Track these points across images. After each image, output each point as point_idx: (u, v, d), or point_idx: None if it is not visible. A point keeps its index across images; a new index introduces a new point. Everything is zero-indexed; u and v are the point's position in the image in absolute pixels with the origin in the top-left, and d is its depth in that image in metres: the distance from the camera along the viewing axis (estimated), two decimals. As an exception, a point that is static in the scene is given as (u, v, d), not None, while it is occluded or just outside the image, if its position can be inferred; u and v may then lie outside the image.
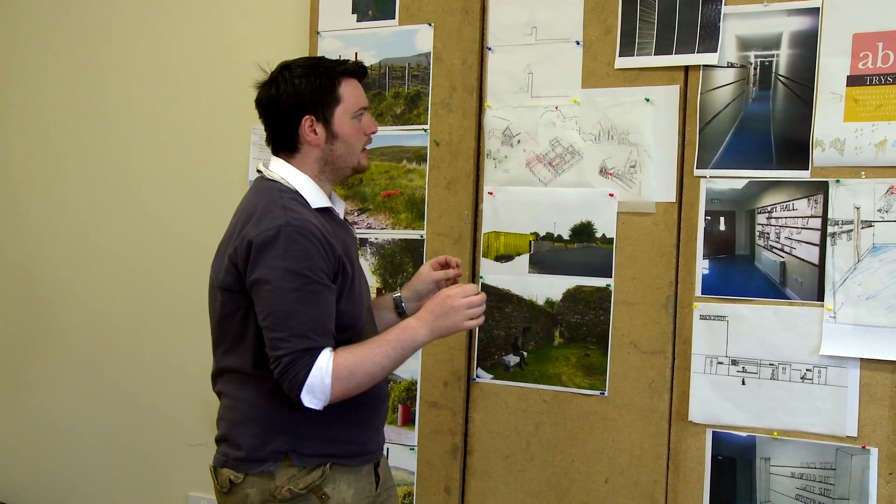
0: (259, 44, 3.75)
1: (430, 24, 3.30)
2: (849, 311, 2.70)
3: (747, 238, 2.86)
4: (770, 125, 2.82)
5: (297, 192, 2.27)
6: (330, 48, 3.48)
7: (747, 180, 2.84)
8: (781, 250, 2.81)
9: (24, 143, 4.30)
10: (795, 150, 2.78)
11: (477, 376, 3.22)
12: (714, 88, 2.89)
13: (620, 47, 3.01)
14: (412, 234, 3.32)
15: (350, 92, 2.33)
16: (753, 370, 2.83)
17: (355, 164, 2.38)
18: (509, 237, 3.18)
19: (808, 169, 2.76)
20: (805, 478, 2.77)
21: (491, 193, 3.20)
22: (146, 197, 4.01)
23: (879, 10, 2.66)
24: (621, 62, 3.01)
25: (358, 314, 2.31)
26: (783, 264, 2.81)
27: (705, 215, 2.90)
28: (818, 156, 2.74)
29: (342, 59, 2.42)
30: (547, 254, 3.13)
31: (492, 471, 3.19)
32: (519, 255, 3.16)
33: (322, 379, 2.08)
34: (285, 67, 2.35)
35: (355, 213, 3.45)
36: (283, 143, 2.34)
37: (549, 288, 3.11)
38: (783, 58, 2.80)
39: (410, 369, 3.28)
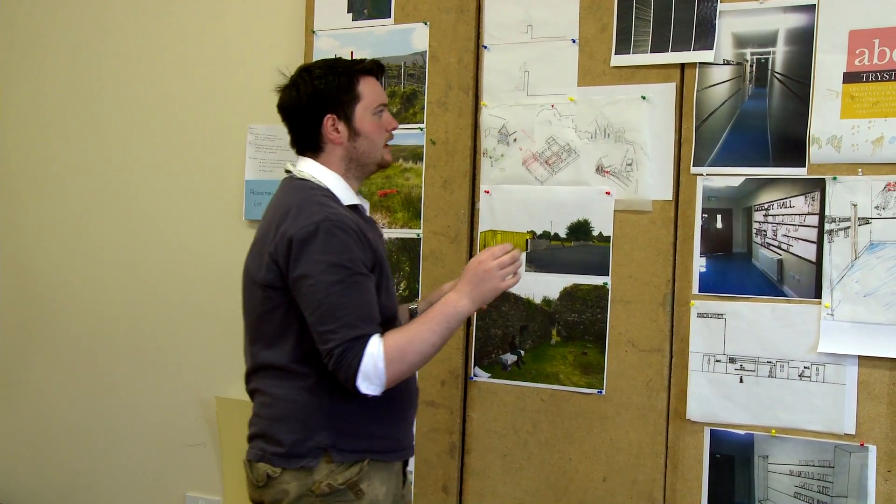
0: (255, 43, 3.75)
1: (425, 23, 3.30)
2: (846, 308, 2.70)
3: (744, 236, 2.85)
4: (766, 122, 2.82)
5: (328, 190, 2.31)
6: (325, 47, 3.48)
7: (744, 178, 2.84)
8: (779, 248, 2.80)
9: (19, 142, 4.29)
10: (792, 147, 2.77)
11: (474, 375, 3.21)
12: (710, 86, 2.88)
13: (616, 45, 3.00)
14: (409, 233, 3.32)
15: (369, 89, 2.37)
16: (751, 368, 2.83)
17: (379, 160, 2.42)
18: (506, 236, 3.17)
19: (804, 166, 2.76)
20: (803, 476, 2.76)
21: (487, 192, 3.19)
22: (143, 196, 4.01)
23: (876, 6, 2.66)
24: (617, 60, 3.00)
25: (394, 307, 2.35)
26: (780, 262, 2.80)
27: (702, 213, 2.89)
28: (815, 153, 2.73)
29: (359, 58, 2.48)
30: (544, 252, 3.12)
31: (490, 470, 3.19)
32: (516, 253, 3.16)
33: (375, 364, 2.10)
34: (304, 70, 2.39)
35: (352, 213, 3.44)
36: (308, 143, 2.38)
37: (546, 286, 3.10)
38: (779, 55, 2.80)
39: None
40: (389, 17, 3.37)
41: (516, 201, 3.15)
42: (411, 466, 3.23)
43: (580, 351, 3.06)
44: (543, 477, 3.10)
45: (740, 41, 2.85)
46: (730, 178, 2.86)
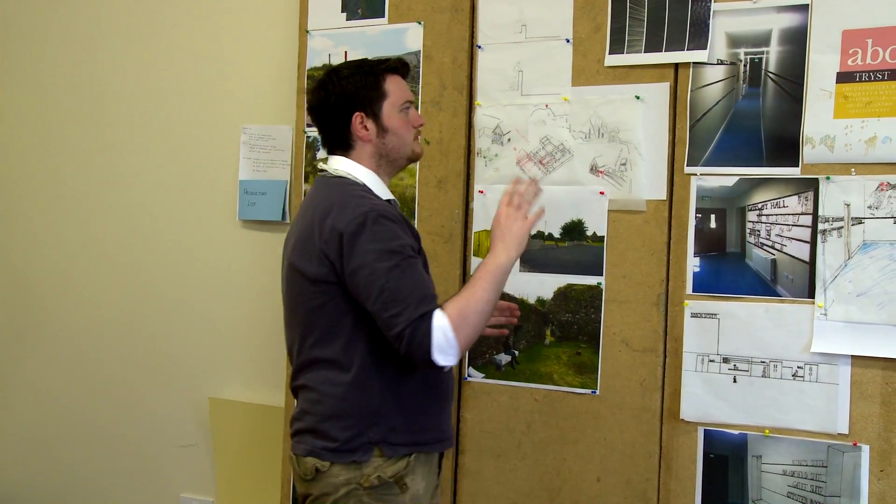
0: (249, 43, 3.75)
1: (419, 23, 3.30)
2: (839, 308, 2.70)
3: (738, 235, 2.85)
4: (760, 122, 2.82)
5: (364, 185, 2.38)
6: (319, 47, 3.47)
7: (738, 177, 2.84)
8: (772, 248, 2.80)
9: (14, 142, 4.29)
10: (786, 147, 2.77)
11: (468, 375, 3.21)
12: (704, 86, 2.89)
13: (610, 45, 3.00)
14: (403, 233, 3.31)
15: (395, 87, 2.44)
16: (745, 368, 2.83)
17: (409, 154, 2.49)
18: (500, 236, 3.16)
19: (798, 166, 2.76)
20: (797, 475, 2.76)
21: (482, 192, 3.19)
22: (137, 196, 4.01)
23: (869, 6, 2.66)
24: (611, 60, 3.00)
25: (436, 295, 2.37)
26: (774, 262, 2.80)
27: (696, 213, 2.89)
28: (808, 153, 2.74)
29: (385, 57, 2.55)
30: (538, 252, 3.12)
31: (484, 470, 3.18)
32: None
33: (445, 335, 2.15)
34: (332, 71, 2.46)
35: (346, 213, 3.44)
36: (339, 142, 2.44)
37: (540, 286, 3.10)
38: (773, 55, 2.80)
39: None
40: (383, 16, 3.37)
41: (510, 201, 3.15)
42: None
43: (574, 351, 3.06)
44: (537, 477, 3.10)
45: (734, 41, 2.85)
46: (723, 177, 2.86)
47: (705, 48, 2.86)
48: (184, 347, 3.92)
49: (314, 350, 2.34)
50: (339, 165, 2.42)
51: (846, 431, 2.69)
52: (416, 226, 3.25)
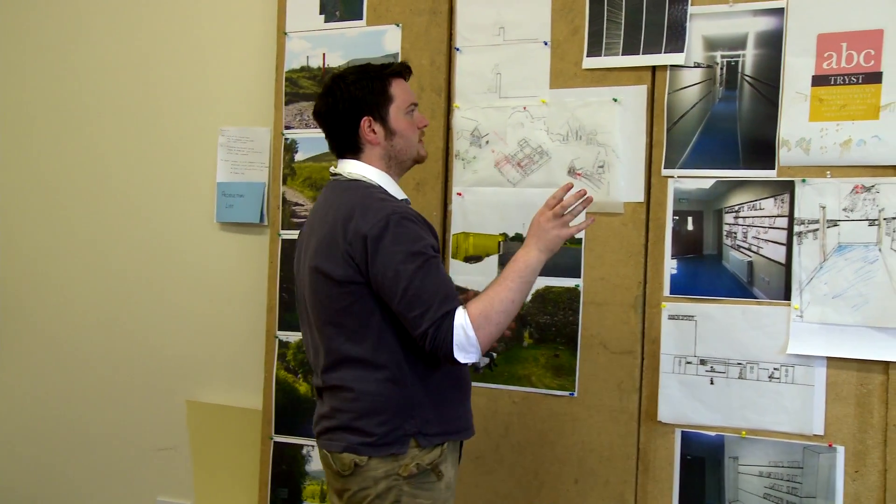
0: (227, 45, 3.74)
1: (397, 25, 3.30)
2: (815, 309, 2.71)
3: (715, 238, 2.87)
4: (737, 125, 2.83)
5: (380, 187, 2.43)
6: (297, 49, 3.47)
7: (714, 180, 2.85)
8: (749, 250, 2.82)
9: (-11, 145, 4.26)
10: (762, 149, 2.79)
11: (447, 378, 3.20)
12: (681, 88, 2.90)
13: (588, 47, 3.01)
14: (381, 236, 3.31)
15: (400, 91, 2.48)
16: (722, 370, 2.84)
17: (415, 156, 2.54)
18: (478, 238, 3.17)
19: (774, 168, 2.77)
20: (773, 476, 2.78)
21: (460, 194, 3.19)
22: (115, 197, 3.98)
23: (843, 10, 2.68)
24: (589, 62, 3.01)
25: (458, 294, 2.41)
26: (750, 264, 2.81)
27: (673, 215, 2.90)
28: (784, 155, 2.75)
29: (388, 62, 2.56)
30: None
31: (462, 473, 3.15)
32: (488, 255, 3.16)
33: (466, 333, 2.21)
34: (338, 77, 2.49)
35: (324, 215, 3.43)
36: (347, 146, 2.48)
37: (518, 289, 3.10)
38: (749, 58, 2.81)
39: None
40: (361, 18, 3.37)
41: (488, 203, 3.15)
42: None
43: (552, 353, 3.06)
44: (515, 479, 3.10)
45: (711, 44, 2.86)
46: (700, 180, 2.87)
47: (682, 51, 2.88)
48: (162, 350, 3.90)
49: (344, 349, 2.36)
50: (353, 169, 2.46)
51: (821, 433, 2.71)
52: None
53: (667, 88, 2.91)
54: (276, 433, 3.53)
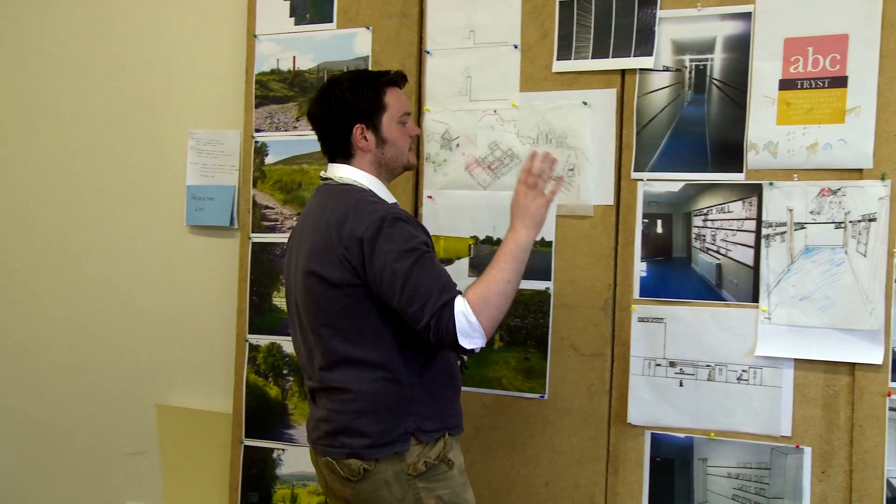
0: (196, 47, 3.72)
1: (368, 28, 3.29)
2: (783, 312, 2.73)
3: (684, 240, 2.88)
4: (705, 128, 2.85)
5: (371, 192, 2.46)
6: (267, 51, 3.46)
7: (683, 183, 2.87)
8: (717, 252, 2.83)
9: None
10: (730, 152, 2.81)
11: (417, 381, 3.20)
12: (650, 92, 2.91)
13: (558, 51, 3.02)
14: (352, 239, 3.30)
15: (394, 100, 2.51)
16: (691, 372, 2.86)
17: (405, 163, 2.58)
18: (449, 241, 3.17)
19: (742, 171, 2.79)
20: (741, 478, 2.79)
21: (430, 197, 3.19)
22: (83, 199, 3.95)
23: (810, 14, 2.70)
24: (559, 66, 3.02)
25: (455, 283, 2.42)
26: (719, 266, 2.83)
27: (643, 218, 2.92)
28: (752, 158, 2.77)
29: (384, 70, 2.60)
30: (487, 257, 3.10)
31: (433, 475, 3.17)
32: (459, 258, 3.16)
33: (468, 319, 2.24)
34: (334, 82, 2.52)
35: (294, 218, 3.42)
36: (339, 150, 2.51)
37: (488, 291, 3.10)
38: (717, 61, 2.83)
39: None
40: (332, 21, 3.36)
41: (459, 206, 3.16)
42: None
43: (522, 356, 3.06)
44: (486, 482, 3.10)
45: (679, 48, 2.87)
46: (670, 183, 2.89)
47: (651, 55, 2.89)
48: (131, 354, 3.88)
49: (341, 350, 2.38)
50: (344, 173, 2.49)
51: (789, 434, 2.73)
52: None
53: (636, 92, 2.92)
54: (246, 437, 3.52)
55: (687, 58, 2.87)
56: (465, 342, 2.25)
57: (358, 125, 2.45)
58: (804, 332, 2.70)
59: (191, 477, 3.72)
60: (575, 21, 3.00)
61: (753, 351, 2.76)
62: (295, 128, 3.43)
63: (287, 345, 3.44)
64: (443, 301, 2.24)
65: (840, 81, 2.66)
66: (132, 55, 3.84)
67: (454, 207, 3.16)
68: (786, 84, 2.73)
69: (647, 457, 2.92)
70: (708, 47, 2.84)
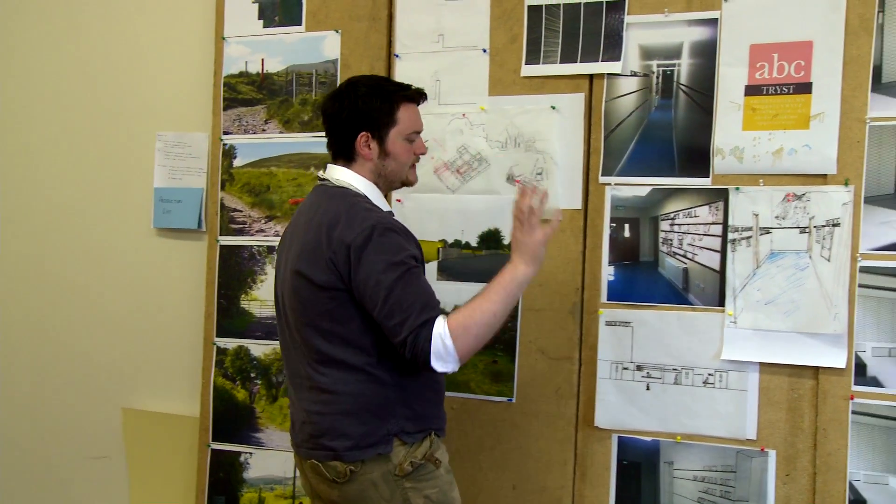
0: (164, 49, 3.70)
1: (337, 31, 3.29)
2: (748, 316, 2.75)
3: (651, 244, 2.90)
4: (672, 133, 2.87)
5: (366, 198, 2.45)
6: (236, 54, 3.44)
7: (651, 187, 2.88)
8: (684, 256, 2.85)
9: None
10: (697, 157, 2.83)
11: (386, 384, 3.20)
12: (618, 97, 2.93)
13: (526, 55, 3.03)
14: (320, 242, 3.29)
15: (407, 116, 2.49)
16: (658, 375, 2.87)
17: (404, 179, 2.57)
18: (418, 244, 3.17)
19: (709, 176, 2.81)
20: (707, 481, 2.81)
21: (399, 201, 3.19)
22: (50, 200, 3.92)
23: (775, 21, 2.72)
24: (527, 70, 3.03)
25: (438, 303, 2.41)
26: (686, 270, 2.85)
27: (610, 222, 2.93)
28: (718, 164, 2.79)
29: (405, 82, 2.56)
30: (455, 261, 3.13)
31: (401, 479, 3.17)
32: (427, 262, 3.15)
33: (443, 342, 2.23)
34: (352, 84, 2.50)
35: (263, 221, 3.41)
36: (341, 151, 2.50)
37: (457, 295, 3.09)
38: (684, 67, 2.85)
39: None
40: (301, 24, 3.35)
41: (428, 210, 3.16)
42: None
43: (490, 359, 3.07)
44: (454, 485, 3.10)
45: (647, 53, 2.89)
46: (637, 187, 2.90)
47: (619, 59, 2.91)
48: (97, 356, 3.85)
49: (324, 350, 2.38)
50: (341, 176, 2.48)
51: (754, 437, 2.75)
52: (333, 234, 3.25)
53: (604, 96, 2.94)
54: (213, 440, 3.50)
55: (654, 63, 2.89)
56: (437, 364, 2.25)
57: (363, 133, 2.44)
58: (769, 336, 2.73)
59: (157, 481, 3.70)
60: (543, 25, 3.01)
61: (719, 355, 2.78)
62: (263, 130, 3.42)
63: (255, 348, 3.43)
64: (423, 319, 2.24)
65: (805, 87, 2.69)
66: (100, 57, 3.82)
67: (423, 211, 3.16)
68: (751, 90, 2.75)
69: (614, 460, 2.93)
70: (675, 53, 2.86)
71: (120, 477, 3.81)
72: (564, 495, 2.98)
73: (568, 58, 2.98)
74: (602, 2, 2.93)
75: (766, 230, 2.73)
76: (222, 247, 3.49)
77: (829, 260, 2.65)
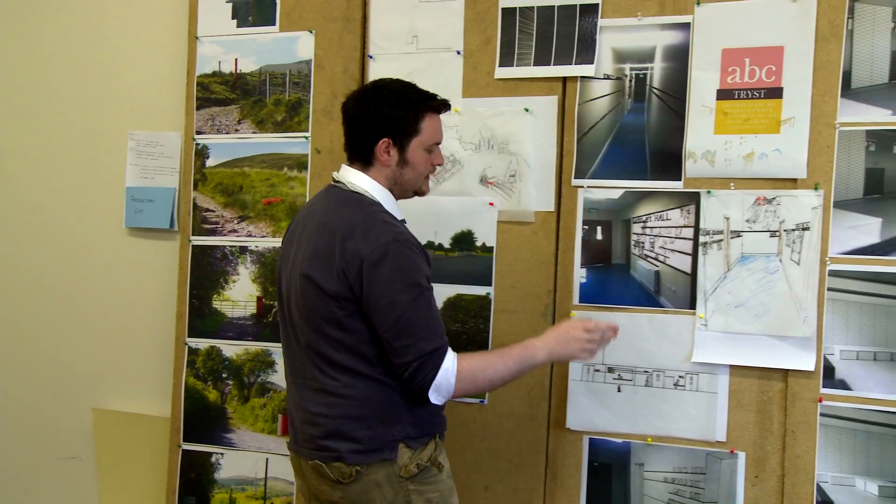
0: (137, 48, 3.68)
1: (311, 32, 3.28)
2: (719, 318, 2.77)
3: (623, 247, 2.91)
4: (645, 136, 2.88)
5: (380, 205, 2.42)
6: (209, 53, 3.43)
7: (623, 190, 2.90)
8: (656, 259, 2.86)
9: None
10: (669, 161, 2.84)
11: (358, 385, 3.19)
12: (591, 100, 2.94)
13: (500, 57, 3.04)
14: (293, 243, 3.28)
15: (430, 127, 2.48)
16: (629, 377, 2.88)
17: (417, 188, 2.54)
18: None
19: (681, 180, 2.83)
20: (677, 482, 2.83)
21: (372, 202, 3.18)
22: (20, 199, 3.89)
23: (746, 26, 2.75)
24: (501, 72, 3.04)
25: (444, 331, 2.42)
26: (657, 273, 2.86)
27: (583, 224, 2.94)
28: (690, 167, 2.81)
29: (431, 92, 2.52)
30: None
31: (373, 480, 3.17)
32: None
33: (448, 379, 2.28)
34: (378, 88, 2.48)
35: (236, 221, 3.40)
36: (359, 154, 2.47)
37: (430, 296, 3.11)
38: (657, 71, 2.86)
39: (291, 379, 3.25)
40: (274, 24, 3.35)
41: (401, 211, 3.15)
42: (292, 477, 3.20)
43: (463, 361, 3.07)
44: (426, 487, 3.10)
45: (620, 56, 2.90)
46: (609, 190, 2.92)
47: (592, 63, 2.92)
48: (67, 356, 3.82)
49: (329, 354, 2.36)
50: (356, 181, 2.45)
51: (724, 439, 2.77)
52: (306, 235, 3.24)
53: (577, 99, 2.95)
54: (184, 441, 3.48)
55: (627, 66, 2.90)
56: (433, 395, 2.29)
57: (385, 139, 2.41)
58: (739, 339, 2.75)
59: (127, 482, 3.68)
60: (517, 28, 3.01)
61: (690, 357, 2.80)
62: (237, 130, 3.41)
63: (227, 348, 3.42)
64: (432, 347, 2.26)
65: (775, 92, 2.71)
66: (71, 55, 3.79)
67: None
68: (723, 94, 2.77)
69: (585, 461, 2.94)
70: (648, 56, 2.87)
71: (90, 478, 3.79)
72: (535, 496, 2.99)
73: (541, 60, 2.99)
74: (576, 5, 2.94)
75: (737, 233, 2.75)
76: (195, 247, 3.47)
77: (798, 263, 2.68)
